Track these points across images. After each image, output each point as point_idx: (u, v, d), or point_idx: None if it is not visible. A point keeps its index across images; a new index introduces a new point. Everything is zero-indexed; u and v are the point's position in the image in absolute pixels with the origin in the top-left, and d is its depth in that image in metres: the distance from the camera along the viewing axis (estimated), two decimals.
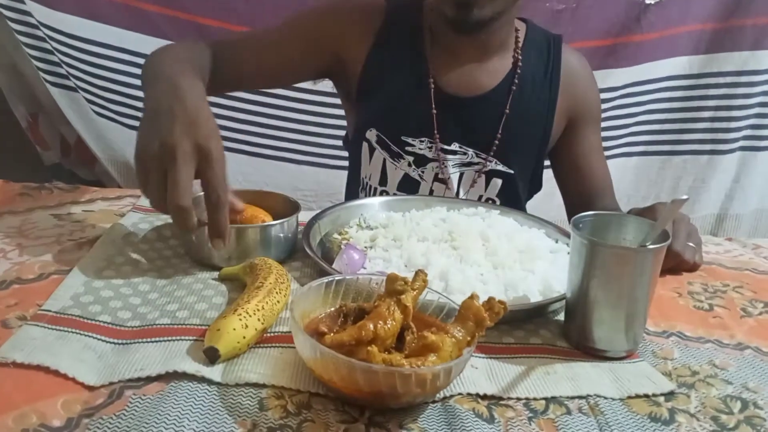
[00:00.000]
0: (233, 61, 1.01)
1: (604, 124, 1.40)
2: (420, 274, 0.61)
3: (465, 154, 1.10)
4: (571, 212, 1.18)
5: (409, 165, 1.10)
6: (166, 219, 0.86)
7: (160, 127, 0.67)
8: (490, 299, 0.58)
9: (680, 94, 1.75)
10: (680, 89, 1.75)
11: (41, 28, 1.58)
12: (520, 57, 1.09)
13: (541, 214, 1.19)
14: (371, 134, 1.10)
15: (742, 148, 1.79)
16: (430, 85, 1.06)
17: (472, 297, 0.57)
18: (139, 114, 1.64)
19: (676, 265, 0.86)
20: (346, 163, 1.24)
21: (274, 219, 0.80)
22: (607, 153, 1.47)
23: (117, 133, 1.68)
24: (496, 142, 1.09)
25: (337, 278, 0.64)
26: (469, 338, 0.55)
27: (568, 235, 0.86)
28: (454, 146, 1.09)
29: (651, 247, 0.63)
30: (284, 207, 0.84)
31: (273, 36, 1.07)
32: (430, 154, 1.09)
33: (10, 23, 1.59)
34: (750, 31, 1.68)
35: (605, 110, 1.66)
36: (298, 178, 1.72)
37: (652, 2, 1.63)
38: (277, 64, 1.07)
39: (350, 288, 0.64)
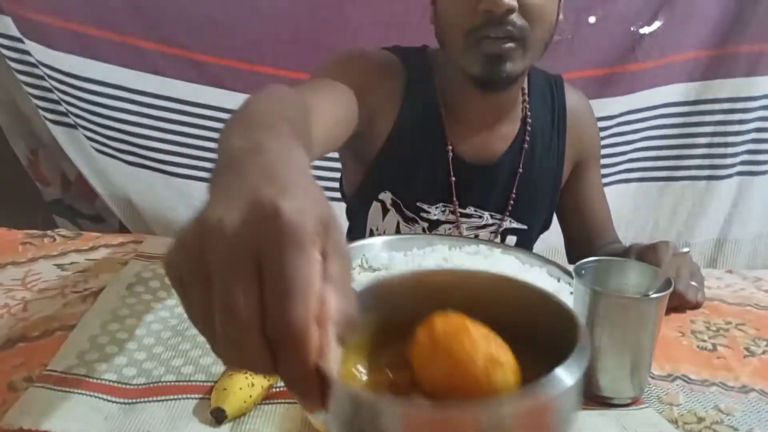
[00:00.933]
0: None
1: (602, 152, 1.41)
2: None
3: (480, 217, 1.09)
4: (571, 248, 1.18)
5: (424, 231, 1.08)
6: None
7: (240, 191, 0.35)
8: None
9: (677, 120, 1.76)
10: (677, 116, 1.76)
11: (40, 66, 1.59)
12: (528, 113, 1.06)
13: (541, 241, 1.20)
14: (386, 196, 1.07)
15: (740, 173, 1.79)
16: (449, 153, 1.02)
17: None
18: (138, 150, 1.67)
19: (679, 305, 0.86)
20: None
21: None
22: (605, 180, 1.48)
23: (117, 169, 1.68)
24: (512, 202, 1.08)
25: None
26: None
27: (569, 274, 0.86)
28: (470, 210, 1.08)
29: (654, 296, 0.63)
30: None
31: (320, 99, 0.84)
32: (444, 218, 1.07)
33: (9, 62, 1.60)
34: (744, 57, 1.69)
35: (603, 138, 1.68)
36: None
37: (647, 32, 1.65)
38: (326, 130, 0.84)
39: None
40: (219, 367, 0.66)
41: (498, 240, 1.11)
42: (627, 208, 1.79)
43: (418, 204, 1.06)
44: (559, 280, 0.90)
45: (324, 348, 0.31)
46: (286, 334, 0.30)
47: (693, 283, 0.87)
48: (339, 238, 0.34)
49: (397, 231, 1.09)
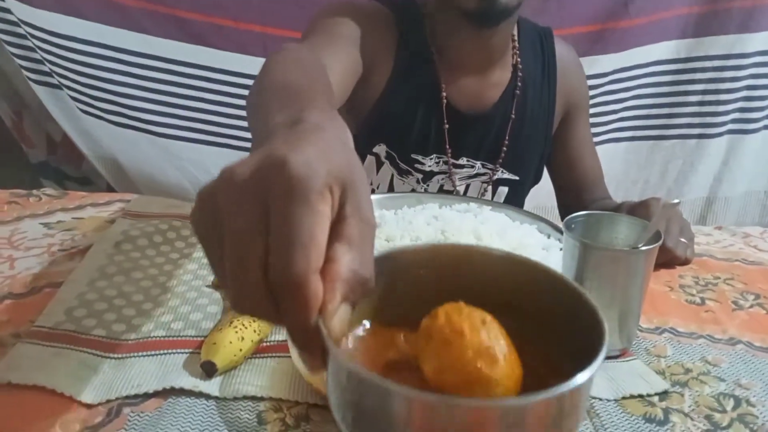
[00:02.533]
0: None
1: (593, 111, 1.40)
2: None
3: (473, 166, 1.09)
4: (562, 203, 1.19)
5: (418, 182, 1.08)
6: (156, 224, 0.85)
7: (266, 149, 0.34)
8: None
9: (668, 78, 1.75)
10: (668, 74, 1.75)
11: (21, 25, 1.55)
12: (519, 60, 1.06)
13: (532, 200, 1.20)
14: (380, 149, 1.06)
15: (730, 132, 1.79)
16: (443, 102, 1.02)
17: None
18: (123, 110, 1.64)
19: (668, 260, 0.87)
20: None
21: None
22: (596, 139, 1.47)
23: (103, 130, 1.66)
24: (503, 151, 1.08)
25: None
26: None
27: (559, 230, 0.86)
28: (462, 160, 1.08)
29: (643, 248, 0.63)
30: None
31: (331, 53, 0.85)
32: (437, 169, 1.07)
33: None
34: (736, 13, 1.67)
35: (594, 96, 1.67)
36: None
37: None
38: (350, 69, 0.90)
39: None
40: (209, 323, 0.66)
41: (490, 190, 1.12)
42: (618, 166, 1.79)
43: (412, 155, 1.06)
44: (549, 237, 0.90)
45: (327, 304, 0.31)
46: (286, 284, 0.30)
47: (682, 240, 0.87)
48: (360, 200, 0.34)
49: (391, 184, 1.09)
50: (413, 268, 0.42)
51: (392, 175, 1.08)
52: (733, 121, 1.79)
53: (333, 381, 0.33)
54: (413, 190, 1.10)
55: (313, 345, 0.32)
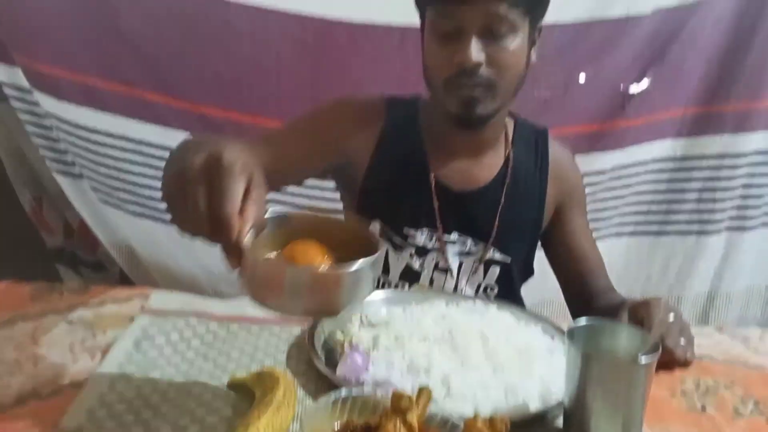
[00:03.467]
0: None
1: (595, 206, 1.45)
2: (424, 391, 0.64)
3: (464, 243, 1.14)
4: (568, 296, 1.22)
5: (411, 256, 1.14)
6: (174, 322, 0.89)
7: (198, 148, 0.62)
8: (493, 420, 0.60)
9: (666, 176, 1.82)
10: (666, 171, 1.81)
11: (48, 117, 1.64)
12: (511, 151, 1.15)
13: (537, 294, 1.23)
14: (374, 226, 1.14)
15: (729, 228, 1.84)
16: (431, 181, 1.11)
17: (475, 418, 0.60)
18: (141, 200, 1.70)
19: (668, 361, 0.89)
20: None
21: (344, 256, 0.65)
22: (598, 234, 1.52)
23: (120, 218, 1.71)
24: (494, 231, 1.14)
25: (342, 394, 0.66)
26: None
27: (562, 332, 0.89)
28: (454, 236, 1.14)
29: (644, 359, 0.66)
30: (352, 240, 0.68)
31: (283, 139, 1.10)
32: (430, 245, 1.13)
33: (18, 113, 1.64)
34: (731, 115, 1.75)
35: (595, 192, 1.73)
36: None
37: (636, 90, 1.71)
38: (290, 165, 1.08)
39: (356, 402, 0.67)
40: (224, 426, 0.68)
41: (482, 270, 1.16)
42: (619, 261, 1.83)
43: (404, 230, 1.12)
44: (553, 338, 0.93)
45: (242, 230, 0.57)
46: (221, 217, 0.57)
47: (682, 341, 0.90)
48: (258, 177, 0.61)
49: (386, 260, 1.15)
50: (294, 225, 0.70)
51: (387, 252, 1.14)
52: (731, 218, 1.84)
53: (243, 267, 0.60)
54: (407, 266, 1.14)
55: (233, 252, 0.58)
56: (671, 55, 1.70)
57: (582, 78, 1.69)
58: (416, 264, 1.14)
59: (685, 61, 1.71)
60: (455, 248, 1.14)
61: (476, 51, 0.96)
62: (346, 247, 0.67)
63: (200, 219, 0.57)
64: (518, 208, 1.15)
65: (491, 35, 0.97)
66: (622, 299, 1.02)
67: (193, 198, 0.57)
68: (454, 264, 1.15)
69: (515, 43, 0.99)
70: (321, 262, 0.65)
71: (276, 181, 1.07)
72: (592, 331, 0.73)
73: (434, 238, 1.13)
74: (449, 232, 1.13)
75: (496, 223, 1.14)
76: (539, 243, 1.24)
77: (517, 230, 1.17)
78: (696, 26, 1.68)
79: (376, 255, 0.63)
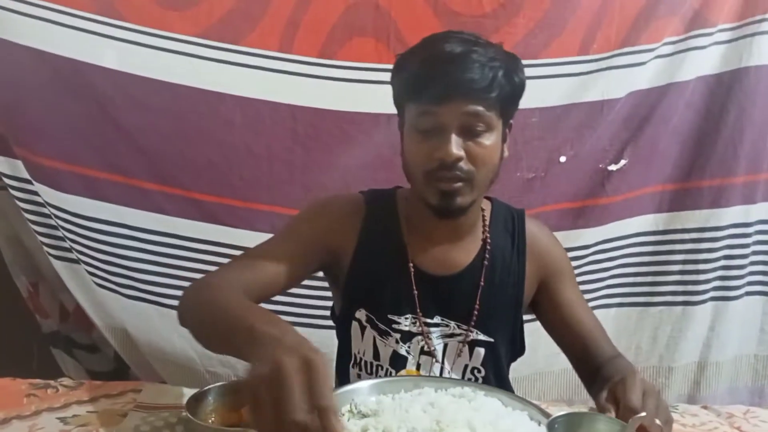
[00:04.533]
0: (258, 282, 1.08)
1: (581, 279, 1.48)
2: None
3: (447, 325, 1.17)
4: (573, 362, 1.23)
5: (397, 342, 1.16)
6: (165, 418, 0.91)
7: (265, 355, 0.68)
8: None
9: (648, 249, 1.86)
10: (648, 245, 1.86)
11: (47, 206, 1.68)
12: (488, 234, 1.19)
13: (528, 367, 1.25)
14: (361, 314, 1.17)
15: (713, 299, 1.87)
16: (410, 269, 1.15)
17: None
18: (136, 284, 1.74)
19: None
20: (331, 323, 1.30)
21: None
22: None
23: (115, 302, 1.74)
24: (475, 313, 1.17)
25: None
26: None
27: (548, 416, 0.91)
28: (437, 319, 1.16)
29: None
30: None
31: (275, 250, 1.12)
32: (415, 329, 1.16)
33: (17, 202, 1.69)
34: (707, 191, 1.81)
35: (580, 266, 1.77)
36: None
37: (614, 169, 1.78)
38: (284, 273, 1.11)
39: None
40: None
41: (467, 351, 1.18)
42: (609, 332, 1.82)
43: (389, 317, 1.15)
44: (540, 424, 0.94)
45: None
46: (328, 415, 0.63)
47: (657, 422, 0.91)
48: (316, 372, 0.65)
49: (375, 347, 1.17)
50: None
51: (374, 338, 1.17)
52: (715, 288, 1.87)
53: None
54: (394, 352, 1.16)
55: None
56: (646, 135, 1.78)
57: (563, 159, 1.76)
58: (402, 349, 1.16)
59: (659, 140, 1.79)
60: (438, 331, 1.17)
61: (456, 147, 1.02)
62: None
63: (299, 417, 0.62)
64: (498, 289, 1.18)
65: (469, 133, 1.04)
66: (627, 365, 1.06)
67: (292, 400, 0.62)
68: (438, 347, 1.17)
69: (491, 139, 1.05)
70: None
71: (275, 292, 1.14)
72: (572, 423, 0.76)
73: (417, 323, 1.16)
74: (431, 317, 1.16)
75: (477, 304, 1.16)
76: (538, 320, 1.26)
77: (499, 310, 1.19)
78: (668, 107, 1.77)
79: None
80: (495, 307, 1.18)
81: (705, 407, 1.13)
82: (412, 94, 1.07)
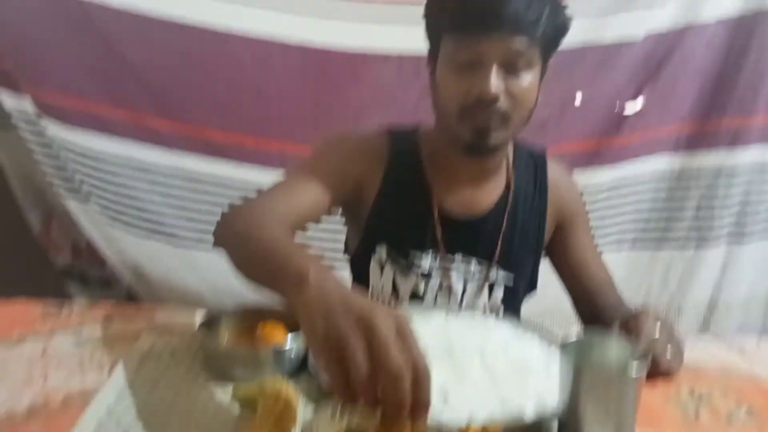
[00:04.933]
0: (300, 213, 1.04)
1: (594, 221, 1.46)
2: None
3: (468, 265, 1.17)
4: (577, 308, 1.24)
5: (417, 279, 1.16)
6: (179, 338, 0.91)
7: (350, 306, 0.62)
8: (486, 429, 0.62)
9: (664, 190, 1.84)
10: (663, 185, 1.84)
11: (56, 143, 1.68)
12: (512, 177, 1.17)
13: (537, 305, 1.25)
14: (381, 249, 1.15)
15: (728, 241, 1.86)
16: (434, 210, 1.13)
17: (468, 428, 0.62)
18: (148, 221, 1.74)
19: (651, 369, 0.88)
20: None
21: (289, 330, 0.87)
22: (598, 248, 1.53)
23: (127, 238, 1.75)
24: (497, 254, 1.16)
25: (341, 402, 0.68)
26: None
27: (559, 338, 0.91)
28: (458, 258, 1.16)
29: (633, 370, 0.68)
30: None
31: (311, 181, 1.07)
32: (435, 267, 1.15)
33: (26, 140, 1.69)
34: (725, 130, 1.78)
35: (594, 207, 1.76)
36: None
37: (631, 107, 1.75)
38: (322, 204, 1.07)
39: (356, 410, 0.69)
40: None
41: (486, 291, 1.18)
42: (619, 275, 1.81)
43: (410, 254, 1.14)
44: (550, 345, 0.95)
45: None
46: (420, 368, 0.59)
47: (668, 350, 0.91)
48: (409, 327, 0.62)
49: (394, 284, 1.16)
50: None
51: (394, 275, 1.16)
52: (730, 231, 1.86)
53: None
54: (413, 291, 1.16)
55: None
56: (665, 75, 1.74)
57: (578, 99, 1.73)
58: (421, 286, 1.16)
59: (678, 80, 1.75)
60: (459, 270, 1.17)
61: (496, 83, 0.97)
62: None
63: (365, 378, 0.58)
64: (520, 231, 1.17)
65: (509, 69, 0.99)
66: (629, 312, 1.03)
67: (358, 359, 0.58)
68: (458, 286, 1.17)
69: (530, 77, 1.01)
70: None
71: (314, 221, 1.09)
72: (584, 344, 0.75)
73: (439, 262, 1.15)
74: (453, 256, 1.15)
75: (499, 246, 1.16)
76: (548, 260, 1.26)
77: (520, 252, 1.19)
78: (688, 48, 1.72)
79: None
80: (517, 249, 1.18)
81: (715, 337, 1.13)
82: (453, 24, 1.01)
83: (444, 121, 1.07)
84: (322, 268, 0.69)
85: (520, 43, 0.97)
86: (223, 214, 0.96)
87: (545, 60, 1.04)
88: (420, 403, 0.58)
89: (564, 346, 0.73)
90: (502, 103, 0.99)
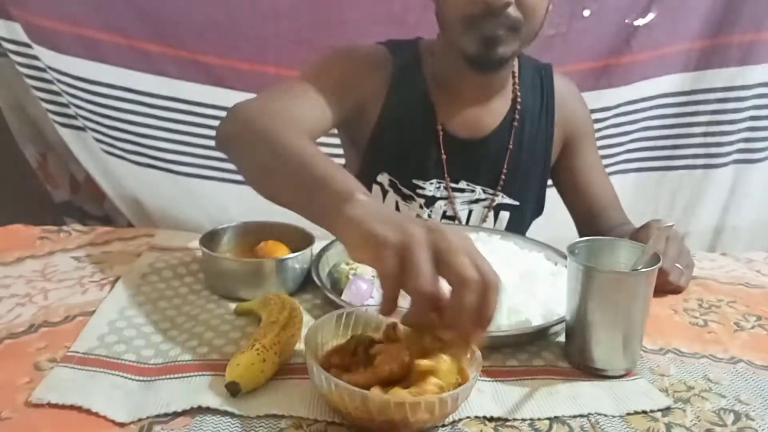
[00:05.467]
0: (304, 123, 0.94)
1: (600, 143, 1.44)
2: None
3: (473, 191, 1.14)
4: (579, 228, 1.22)
5: (420, 207, 1.13)
6: (180, 257, 0.90)
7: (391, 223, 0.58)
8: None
9: (672, 110, 1.80)
10: (672, 106, 1.79)
11: (49, 71, 1.63)
12: (518, 94, 1.12)
13: (543, 232, 1.24)
14: (383, 178, 1.12)
15: (736, 161, 1.83)
16: (438, 132, 1.09)
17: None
18: (145, 150, 1.71)
19: (660, 283, 0.88)
20: None
21: (290, 251, 0.85)
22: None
23: (125, 169, 1.72)
24: (503, 177, 1.13)
25: (346, 311, 0.67)
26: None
27: (565, 257, 0.90)
28: (462, 184, 1.13)
29: (642, 270, 0.66)
30: (298, 238, 0.88)
31: (311, 91, 0.99)
32: (439, 194, 1.12)
33: (18, 67, 1.64)
34: (737, 47, 1.72)
35: (601, 129, 1.72)
36: None
37: (641, 24, 1.68)
38: (324, 118, 1.00)
39: (360, 319, 0.68)
40: (232, 347, 0.70)
41: (492, 216, 1.16)
42: (626, 197, 1.79)
43: (413, 181, 1.11)
44: (556, 264, 0.93)
45: None
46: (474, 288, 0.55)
47: (678, 265, 0.89)
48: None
49: (397, 209, 1.13)
50: None
51: (396, 202, 1.13)
52: (738, 151, 1.82)
53: None
54: (417, 216, 1.14)
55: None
56: None
57: (586, 12, 1.66)
58: (425, 214, 1.13)
59: None
60: (464, 197, 1.14)
61: None
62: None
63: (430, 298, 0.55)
64: (526, 151, 1.14)
65: None
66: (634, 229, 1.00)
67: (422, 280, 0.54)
68: (462, 213, 1.15)
69: None
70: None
71: (316, 136, 0.99)
72: (593, 248, 0.73)
73: (442, 188, 1.12)
74: (457, 182, 1.12)
75: (505, 168, 1.12)
76: (551, 179, 1.23)
77: (527, 173, 1.16)
78: None
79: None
80: (523, 170, 1.14)
81: (724, 254, 1.12)
82: None
83: (448, 32, 1.01)
84: (366, 190, 0.65)
85: None
86: (230, 110, 0.90)
87: None
88: (487, 314, 0.56)
89: (572, 249, 0.71)
90: (512, 11, 0.94)
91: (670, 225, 0.69)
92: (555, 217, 1.26)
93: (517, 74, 1.13)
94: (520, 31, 0.96)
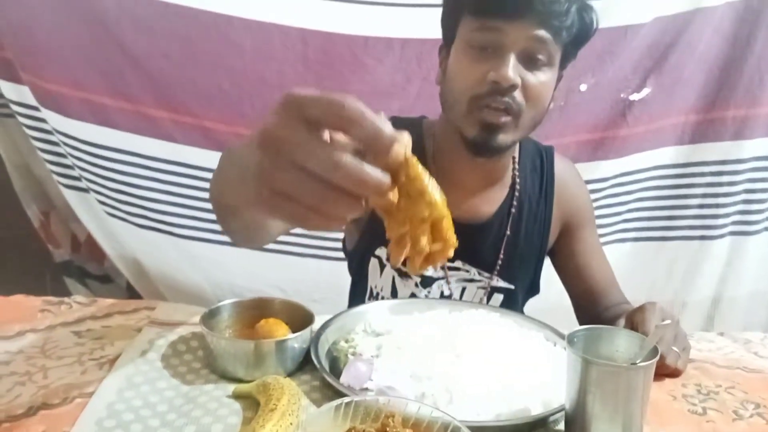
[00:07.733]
0: None
1: (598, 212, 1.45)
2: None
3: (468, 271, 1.14)
4: (578, 311, 1.22)
5: (416, 285, 1.14)
6: (180, 333, 0.90)
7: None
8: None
9: (668, 182, 1.83)
10: (668, 177, 1.83)
11: (55, 133, 1.66)
12: (518, 180, 1.13)
13: (539, 303, 1.24)
14: (381, 252, 1.13)
15: (732, 233, 1.85)
16: None
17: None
18: (147, 213, 1.73)
19: (658, 367, 0.88)
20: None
21: (290, 328, 0.86)
22: (601, 240, 1.52)
23: (126, 231, 1.73)
24: (499, 262, 1.14)
25: (345, 401, 0.67)
26: None
27: (563, 338, 0.90)
28: (458, 263, 1.13)
29: (642, 364, 0.67)
30: (298, 315, 0.89)
31: None
32: (435, 274, 1.13)
33: (25, 129, 1.68)
34: (731, 121, 1.76)
35: (598, 199, 1.74)
36: (302, 271, 1.76)
37: (636, 98, 1.73)
38: None
39: (359, 408, 0.68)
40: None
41: (485, 297, 1.16)
42: (623, 267, 1.82)
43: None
44: (555, 345, 0.93)
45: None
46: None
47: (674, 349, 0.89)
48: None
49: (393, 286, 1.15)
50: None
51: (393, 278, 1.14)
52: (734, 223, 1.84)
53: None
54: (413, 294, 1.15)
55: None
56: (671, 62, 1.71)
57: (583, 87, 1.70)
58: (421, 294, 1.14)
59: (684, 68, 1.72)
60: (459, 275, 1.14)
61: (514, 71, 0.93)
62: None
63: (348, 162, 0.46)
64: (523, 238, 1.15)
65: (529, 61, 0.95)
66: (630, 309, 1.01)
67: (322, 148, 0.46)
68: (456, 291, 1.15)
69: (548, 75, 0.97)
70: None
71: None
72: (592, 337, 0.74)
73: (438, 269, 1.12)
74: (453, 261, 1.12)
75: (501, 254, 1.13)
76: (549, 261, 1.24)
77: (523, 259, 1.16)
78: (694, 34, 1.69)
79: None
80: (519, 256, 1.15)
81: (721, 334, 1.12)
82: (475, 5, 0.96)
83: (451, 112, 1.03)
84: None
85: (545, 34, 0.93)
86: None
87: (563, 63, 1.01)
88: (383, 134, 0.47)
89: (571, 339, 0.72)
90: (517, 95, 0.95)
91: (668, 323, 0.69)
92: (549, 289, 1.26)
93: (517, 158, 1.14)
94: (521, 118, 0.97)
